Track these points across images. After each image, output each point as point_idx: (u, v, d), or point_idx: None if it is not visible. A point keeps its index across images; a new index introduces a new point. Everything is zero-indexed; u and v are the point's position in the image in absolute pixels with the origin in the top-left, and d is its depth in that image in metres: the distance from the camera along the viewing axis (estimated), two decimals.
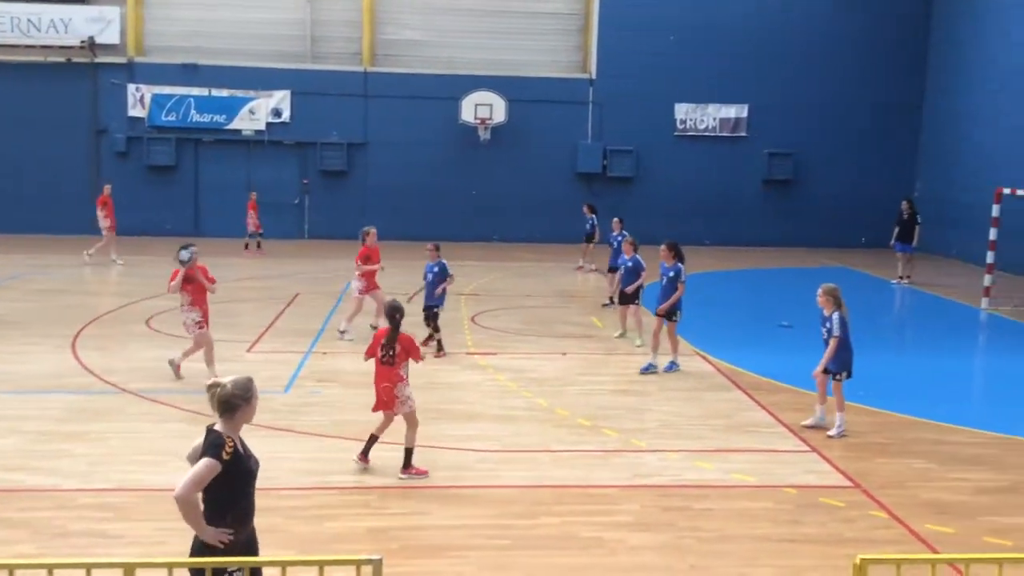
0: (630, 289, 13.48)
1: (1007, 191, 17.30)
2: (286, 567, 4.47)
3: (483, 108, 25.02)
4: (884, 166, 26.43)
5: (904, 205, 20.65)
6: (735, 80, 26.04)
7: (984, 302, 17.38)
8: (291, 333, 13.91)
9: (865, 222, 25.85)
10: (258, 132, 25.56)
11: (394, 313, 8.23)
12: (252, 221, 22.81)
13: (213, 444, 4.63)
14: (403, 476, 8.16)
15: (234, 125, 25.47)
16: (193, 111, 25.34)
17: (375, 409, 8.42)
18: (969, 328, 16.53)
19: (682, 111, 26.33)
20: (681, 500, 7.88)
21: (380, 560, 4.47)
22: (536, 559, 6.72)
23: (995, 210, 17.33)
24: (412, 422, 8.28)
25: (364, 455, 8.33)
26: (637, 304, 13.57)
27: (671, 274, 11.95)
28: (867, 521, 7.52)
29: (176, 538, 6.86)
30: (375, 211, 25.76)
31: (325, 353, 12.77)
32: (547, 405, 10.52)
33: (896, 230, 20.42)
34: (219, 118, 25.44)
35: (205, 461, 4.59)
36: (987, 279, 17.46)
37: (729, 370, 12.36)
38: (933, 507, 7.83)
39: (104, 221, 20.49)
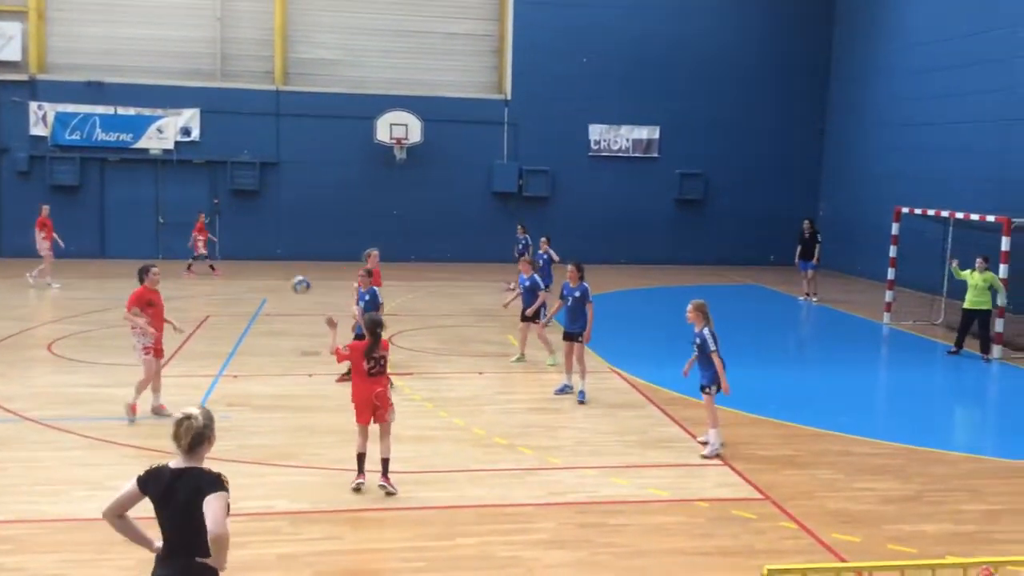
0: (530, 311, 13.35)
1: (906, 210, 18.00)
2: None
3: (398, 128, 24.94)
4: (791, 186, 27.24)
5: (805, 224, 21.29)
6: (647, 102, 26.55)
7: (886, 317, 18.02)
8: (201, 356, 13.56)
9: (774, 240, 26.56)
10: (166, 151, 24.95)
11: (374, 327, 8.39)
12: (200, 242, 22.49)
13: (213, 481, 4.44)
14: (383, 484, 8.22)
15: (141, 144, 24.81)
16: (98, 130, 24.61)
17: (361, 421, 8.40)
18: (872, 342, 17.09)
19: (596, 132, 26.71)
20: (597, 516, 7.91)
21: None
22: None
23: (894, 228, 18.01)
24: (388, 429, 8.40)
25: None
26: (539, 323, 13.49)
27: (577, 294, 11.69)
28: (777, 532, 7.67)
29: (78, 570, 6.60)
30: (288, 231, 25.47)
31: (236, 376, 12.48)
32: (464, 424, 10.47)
33: (799, 248, 21.03)
34: (125, 137, 24.76)
35: (222, 495, 4.41)
36: (888, 295, 18.11)
37: (644, 386, 12.51)
38: (840, 517, 8.04)
39: (43, 243, 19.96)
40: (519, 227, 21.21)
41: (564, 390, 11.95)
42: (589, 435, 10.30)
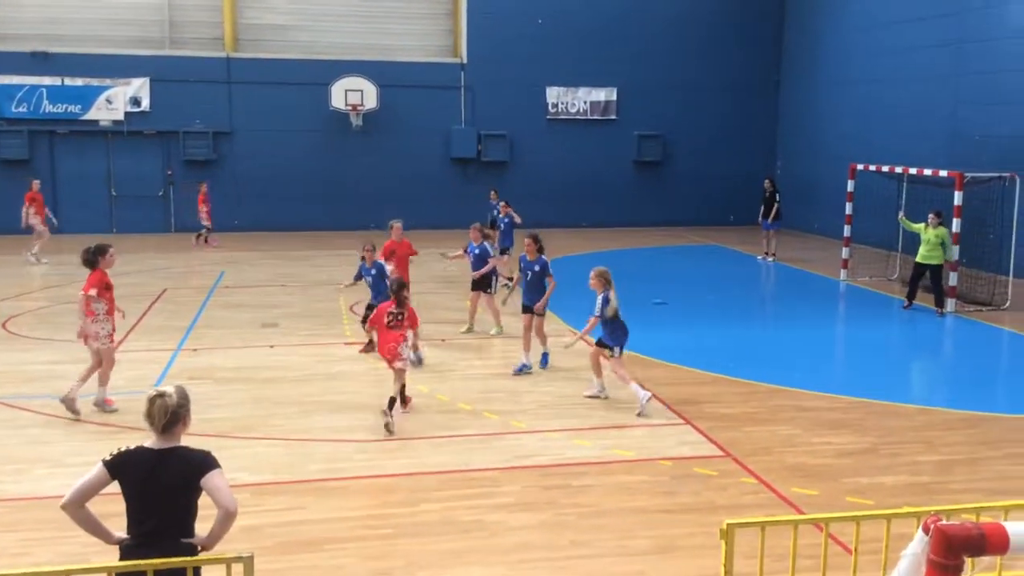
0: (477, 274, 13.22)
1: (860, 166, 18.19)
2: (151, 572, 4.28)
3: (354, 94, 24.64)
4: (747, 146, 27.39)
5: (767, 183, 21.45)
6: (604, 64, 26.45)
7: (843, 274, 18.28)
8: (159, 330, 13.39)
9: (733, 201, 26.76)
10: (116, 122, 24.43)
11: (401, 288, 9.60)
12: (203, 213, 22.29)
13: (207, 460, 4.37)
14: (404, 411, 9.51)
15: (90, 115, 24.27)
16: (46, 102, 24.03)
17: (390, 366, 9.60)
18: (830, 299, 17.33)
19: (553, 95, 26.58)
20: (561, 479, 7.98)
21: (251, 557, 4.35)
22: (417, 546, 6.68)
23: (850, 185, 18.20)
24: (401, 376, 9.43)
25: (392, 407, 9.24)
26: (489, 293, 13.39)
27: (536, 268, 11.59)
28: (738, 488, 7.79)
29: (41, 548, 6.53)
30: (245, 201, 25.13)
31: (195, 350, 12.35)
32: (427, 391, 10.47)
33: (762, 208, 21.19)
34: (74, 108, 24.20)
35: (221, 472, 4.36)
36: (844, 252, 18.35)
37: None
38: (799, 471, 8.18)
39: (34, 218, 19.65)
40: (493, 192, 20.98)
41: (523, 370, 11.45)
42: (552, 399, 10.36)
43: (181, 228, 24.78)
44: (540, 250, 11.76)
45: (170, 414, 4.39)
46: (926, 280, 15.27)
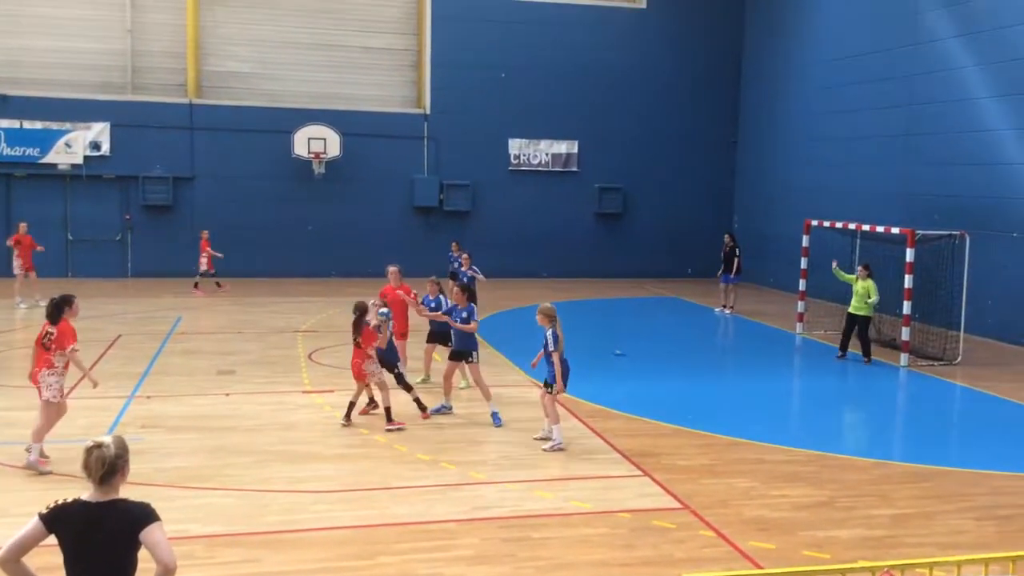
0: (434, 315, 13.13)
1: (815, 222, 18.55)
2: None
3: (317, 142, 24.71)
4: (706, 200, 27.84)
5: (727, 239, 21.77)
6: (566, 117, 26.85)
7: (798, 327, 18.53)
8: (113, 377, 13.13)
9: (691, 253, 27.12)
10: (75, 166, 24.22)
11: (363, 314, 11.11)
12: (205, 259, 22.24)
13: (147, 513, 4.22)
14: (389, 428, 10.69)
15: (49, 159, 24.04)
16: (3, 144, 23.76)
17: (356, 379, 11.19)
18: (786, 352, 17.54)
19: (515, 146, 26.87)
20: (520, 531, 7.92)
21: None
22: None
23: (805, 240, 18.55)
24: (384, 387, 10.90)
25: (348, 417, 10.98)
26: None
27: (464, 315, 11.65)
28: (696, 541, 7.79)
29: None
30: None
31: (149, 397, 12.14)
32: (386, 441, 10.38)
33: (723, 263, 21.46)
34: (32, 152, 23.96)
35: (161, 525, 4.20)
36: (800, 305, 18.63)
37: (566, 399, 12.53)
38: (756, 524, 8.20)
39: (16, 260, 19.45)
40: (454, 244, 20.91)
41: (441, 410, 11.59)
42: (512, 449, 10.32)
43: (138, 273, 24.51)
44: (469, 299, 11.97)
45: (108, 465, 4.25)
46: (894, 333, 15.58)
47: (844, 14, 22.90)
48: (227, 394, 12.43)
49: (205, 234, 22.58)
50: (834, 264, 16.58)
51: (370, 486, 8.97)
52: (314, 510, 8.30)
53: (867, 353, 15.72)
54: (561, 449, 10.20)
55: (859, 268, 15.85)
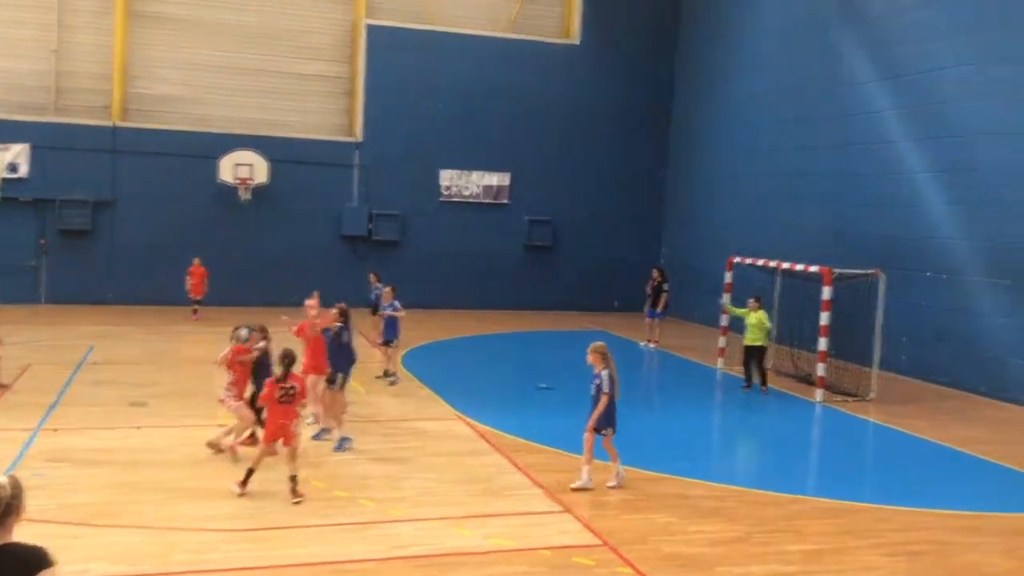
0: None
1: (738, 259, 18.91)
2: None
3: (243, 168, 24.36)
4: (634, 234, 28.18)
5: (655, 273, 22.02)
6: (498, 149, 26.99)
7: (720, 362, 18.80)
8: (19, 408, 12.66)
9: (619, 287, 27.38)
10: None
11: (282, 358, 9.63)
12: (193, 286, 22.20)
13: (40, 557, 3.93)
14: (296, 501, 9.27)
15: None
16: None
17: (264, 441, 9.64)
18: (707, 387, 17.76)
19: (447, 177, 26.89)
20: (438, 570, 7.80)
21: None
22: None
23: (728, 277, 18.88)
24: (294, 453, 9.54)
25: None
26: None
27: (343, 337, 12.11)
28: None
29: None
30: (121, 274, 24.31)
31: (56, 429, 11.69)
32: (303, 477, 10.14)
33: (650, 297, 21.69)
34: None
35: (55, 571, 3.93)
36: (721, 341, 18.91)
37: (490, 433, 12.51)
38: (674, 560, 8.23)
39: None
40: (372, 275, 20.49)
41: (342, 444, 11.36)
42: (433, 485, 10.19)
43: (52, 299, 23.75)
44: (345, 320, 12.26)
45: (3, 506, 4.03)
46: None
47: (769, 55, 23.55)
48: (138, 427, 12.05)
49: (196, 261, 22.59)
50: (724, 301, 17.03)
51: (284, 524, 8.76)
52: (225, 549, 8.06)
53: (764, 382, 16.34)
54: (622, 479, 10.18)
55: (750, 301, 16.37)
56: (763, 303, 16.50)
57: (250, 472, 9.43)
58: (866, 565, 8.36)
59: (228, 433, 11.05)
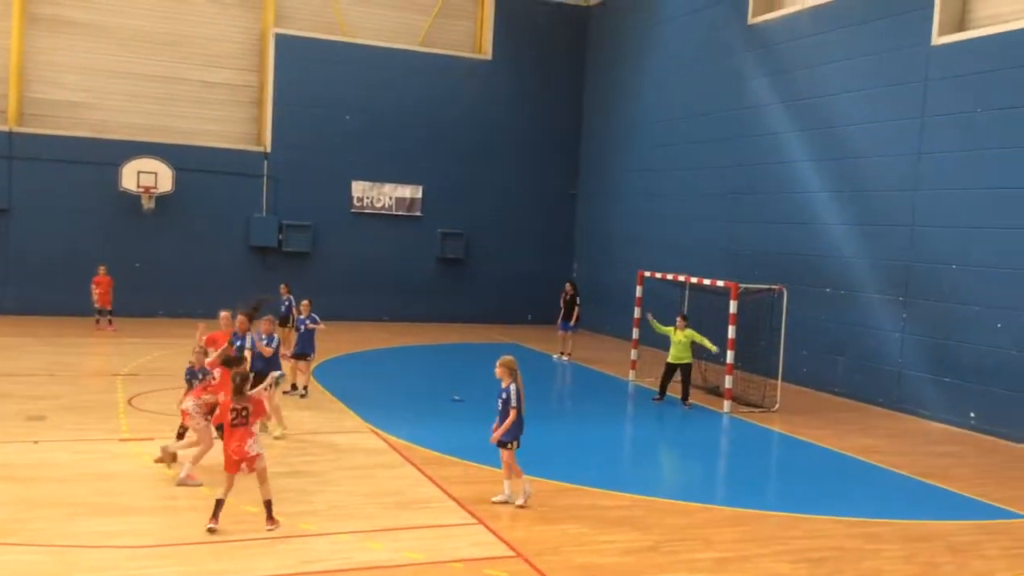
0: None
1: (648, 273, 19.28)
2: None
3: (147, 176, 23.71)
4: (547, 248, 28.46)
5: (568, 287, 22.25)
6: (411, 161, 26.93)
7: (631, 374, 19.10)
8: None
9: (531, 300, 27.57)
10: None
11: (244, 382, 9.00)
12: (100, 296, 21.43)
13: None
14: (270, 528, 8.77)
15: None
16: None
17: (226, 470, 8.90)
18: (618, 399, 18.01)
19: (359, 189, 26.68)
20: None
21: None
22: None
23: (638, 291, 19.23)
24: (263, 477, 8.91)
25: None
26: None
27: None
28: None
29: None
30: (18, 283, 23.37)
31: None
32: (210, 492, 9.89)
33: (562, 311, 21.90)
34: None
35: None
36: (633, 353, 19.23)
37: (402, 446, 12.44)
38: (585, 570, 8.30)
39: None
40: (283, 286, 19.97)
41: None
42: (344, 498, 10.06)
43: None
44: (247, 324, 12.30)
45: None
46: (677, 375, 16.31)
47: (675, 76, 24.13)
48: (36, 441, 11.57)
49: (102, 270, 21.84)
50: (649, 316, 17.27)
51: (191, 540, 8.52)
52: (127, 567, 7.80)
53: (686, 397, 16.50)
54: (522, 506, 9.93)
55: (678, 318, 16.59)
56: (690, 322, 16.58)
57: (219, 503, 8.80)
58: (771, 572, 8.58)
59: (188, 446, 10.64)
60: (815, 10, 19.69)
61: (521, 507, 9.97)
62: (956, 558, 9.19)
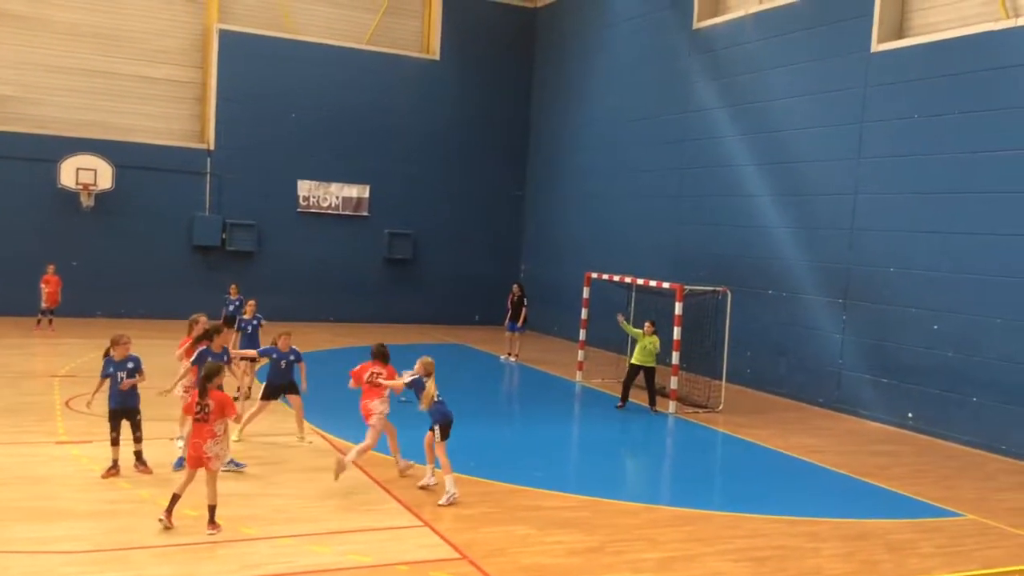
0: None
1: (595, 275, 19.37)
2: None
3: (86, 173, 23.17)
4: (494, 249, 28.46)
5: (515, 288, 22.28)
6: (358, 161, 26.72)
7: (578, 375, 19.18)
8: None
9: (479, 301, 27.54)
10: None
11: (206, 378, 8.93)
12: (48, 295, 20.89)
13: None
14: (211, 532, 8.62)
15: None
16: None
17: (188, 466, 8.94)
18: (566, 400, 18.07)
19: (305, 188, 26.40)
20: None
21: None
22: None
23: (585, 292, 19.31)
24: (213, 477, 8.80)
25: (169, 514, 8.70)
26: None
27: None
28: None
29: None
30: None
31: None
32: (149, 496, 9.70)
33: (510, 312, 21.91)
34: None
35: None
36: (580, 354, 19.31)
37: (347, 448, 12.29)
38: (532, 571, 8.30)
39: None
40: (233, 286, 19.42)
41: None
42: (288, 501, 9.94)
43: None
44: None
45: None
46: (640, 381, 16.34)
47: (623, 80, 24.30)
48: None
49: (51, 268, 21.39)
50: (620, 317, 17.24)
51: (129, 545, 8.33)
52: (62, 573, 7.60)
53: (652, 402, 16.41)
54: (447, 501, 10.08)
55: (647, 324, 16.50)
56: (657, 328, 16.41)
57: (175, 498, 8.73)
58: (714, 571, 8.67)
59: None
60: (759, 15, 20.00)
61: (439, 501, 10.11)
62: (893, 556, 9.39)
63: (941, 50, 15.90)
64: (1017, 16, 15.01)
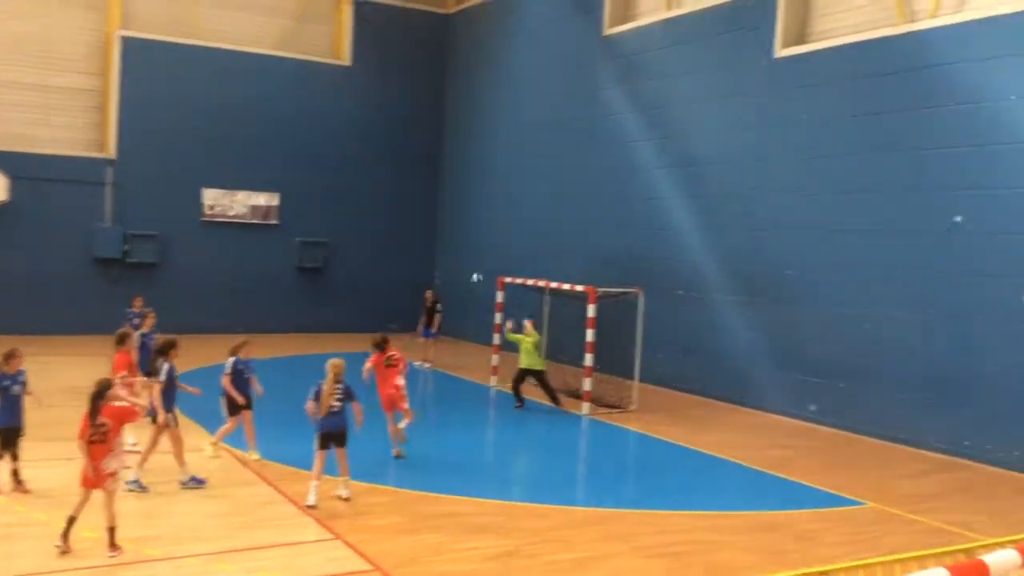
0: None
1: (508, 279, 19.40)
2: None
3: None
4: (408, 256, 28.25)
5: (428, 294, 22.16)
6: (266, 169, 26.20)
7: (493, 380, 19.16)
8: None
9: (394, 308, 27.27)
10: None
11: (97, 395, 8.55)
12: None
13: None
14: (112, 555, 8.32)
15: None
16: None
17: (83, 485, 8.55)
18: (480, 405, 18.04)
19: (211, 196, 25.78)
20: None
21: None
22: None
23: (499, 296, 19.32)
24: (111, 499, 8.50)
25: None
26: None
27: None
28: None
29: None
30: None
31: None
32: (47, 519, 9.29)
33: (424, 318, 21.79)
34: None
35: None
36: (495, 359, 19.30)
37: (255, 462, 12.05)
38: None
39: None
40: (137, 300, 18.37)
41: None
42: (193, 520, 9.66)
43: None
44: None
45: None
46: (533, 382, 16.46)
47: (536, 85, 24.43)
48: None
49: None
50: (509, 326, 17.31)
51: (22, 571, 7.97)
52: None
53: (555, 400, 16.63)
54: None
55: (527, 324, 16.68)
56: (537, 326, 16.79)
57: (71, 521, 8.42)
58: (628, 569, 8.75)
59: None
60: (667, 22, 20.34)
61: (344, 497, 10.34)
62: (801, 546, 9.62)
63: (841, 55, 16.41)
64: (913, 20, 15.58)
